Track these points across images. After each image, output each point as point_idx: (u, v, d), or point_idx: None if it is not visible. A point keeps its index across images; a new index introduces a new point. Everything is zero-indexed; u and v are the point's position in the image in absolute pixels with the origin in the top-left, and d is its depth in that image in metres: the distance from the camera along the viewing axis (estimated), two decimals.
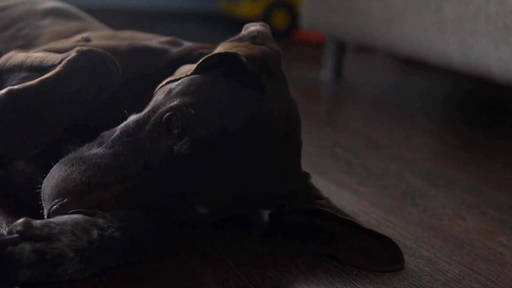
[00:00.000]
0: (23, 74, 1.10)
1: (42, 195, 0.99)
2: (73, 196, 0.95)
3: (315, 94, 2.85)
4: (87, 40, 1.25)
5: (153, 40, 1.30)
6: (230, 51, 1.06)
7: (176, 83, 1.07)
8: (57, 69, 0.97)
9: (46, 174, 1.00)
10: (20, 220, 0.88)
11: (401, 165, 1.74)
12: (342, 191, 1.45)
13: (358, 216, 1.27)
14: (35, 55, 1.11)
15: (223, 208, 1.03)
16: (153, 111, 1.03)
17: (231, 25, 5.21)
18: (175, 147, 0.98)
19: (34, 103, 0.96)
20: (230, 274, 1.00)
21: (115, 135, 1.03)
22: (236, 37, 1.18)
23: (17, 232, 0.87)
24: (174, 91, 1.05)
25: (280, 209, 1.13)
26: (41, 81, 0.95)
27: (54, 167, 1.00)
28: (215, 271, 1.01)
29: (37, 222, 0.89)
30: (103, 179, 0.96)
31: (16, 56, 1.14)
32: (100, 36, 1.32)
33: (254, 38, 1.15)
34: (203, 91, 1.03)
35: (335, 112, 2.60)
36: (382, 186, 1.53)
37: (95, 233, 0.92)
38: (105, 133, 1.07)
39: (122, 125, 1.05)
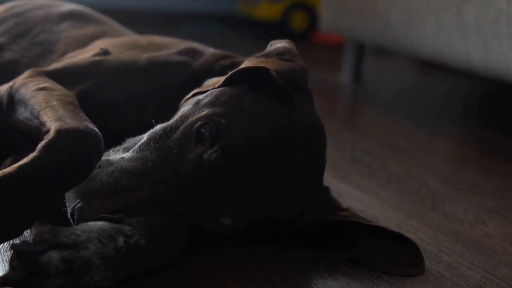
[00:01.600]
0: (26, 115, 1.09)
1: (66, 193, 0.98)
2: (99, 196, 0.95)
3: (335, 97, 2.85)
4: (106, 52, 1.25)
5: (172, 49, 1.30)
6: (259, 65, 1.06)
7: (204, 94, 1.08)
8: (36, 153, 0.93)
9: None
10: (46, 228, 0.87)
11: (422, 169, 1.73)
12: (363, 195, 1.45)
13: (378, 221, 1.27)
14: (38, 100, 1.08)
15: (247, 221, 1.03)
16: (181, 120, 1.03)
17: (250, 26, 5.23)
18: (204, 154, 0.98)
19: (13, 189, 0.91)
20: (251, 279, 1.01)
21: (142, 141, 1.03)
22: (263, 53, 1.19)
23: (44, 240, 0.86)
24: (203, 102, 1.05)
25: (305, 225, 1.13)
26: (19, 167, 0.91)
27: None
28: (236, 275, 1.01)
29: (64, 229, 0.88)
30: (130, 182, 0.96)
31: (27, 87, 1.13)
32: (119, 45, 1.31)
33: (281, 54, 1.16)
34: (233, 102, 1.03)
35: (355, 114, 2.59)
36: (402, 190, 1.53)
37: (121, 241, 0.91)
38: (131, 140, 1.08)
39: (149, 132, 1.05)
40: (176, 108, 1.13)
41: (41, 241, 0.85)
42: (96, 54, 1.26)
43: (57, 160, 0.93)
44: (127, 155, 1.01)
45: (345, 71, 3.10)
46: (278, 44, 1.20)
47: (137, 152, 1.01)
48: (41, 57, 1.34)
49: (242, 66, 1.12)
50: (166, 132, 1.03)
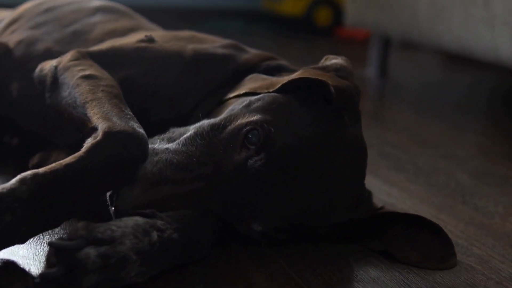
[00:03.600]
0: (70, 101, 1.09)
1: None
2: (141, 184, 0.95)
3: (361, 91, 2.83)
4: (151, 40, 1.25)
5: (216, 43, 1.30)
6: (319, 78, 1.05)
7: (257, 97, 1.07)
8: (83, 153, 0.94)
9: None
10: (81, 224, 0.87)
11: (450, 162, 1.72)
12: (392, 189, 1.44)
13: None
14: (83, 90, 1.09)
15: (278, 229, 1.03)
16: (230, 119, 1.03)
17: (274, 22, 5.23)
18: (249, 160, 0.98)
19: (58, 185, 0.92)
20: (281, 273, 1.00)
21: (188, 134, 1.03)
22: (319, 65, 1.17)
23: (80, 236, 0.85)
24: (254, 105, 1.04)
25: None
26: (66, 165, 0.92)
27: None
28: (266, 270, 1.01)
29: (98, 225, 0.88)
30: (172, 175, 0.96)
31: (72, 71, 1.14)
32: (162, 36, 1.31)
33: (337, 70, 1.14)
34: (284, 112, 1.02)
35: (382, 109, 2.58)
36: (431, 184, 1.52)
37: (155, 235, 0.91)
38: (175, 130, 1.08)
39: (196, 125, 1.05)
40: (217, 101, 1.13)
41: (77, 238, 0.85)
42: (142, 41, 1.26)
43: (103, 162, 0.94)
44: (172, 146, 1.01)
45: (371, 65, 3.09)
46: (334, 60, 1.18)
47: (182, 145, 1.01)
48: (74, 45, 1.34)
49: (299, 75, 1.10)
50: (214, 130, 1.02)
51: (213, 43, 1.30)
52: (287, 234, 1.05)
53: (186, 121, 1.14)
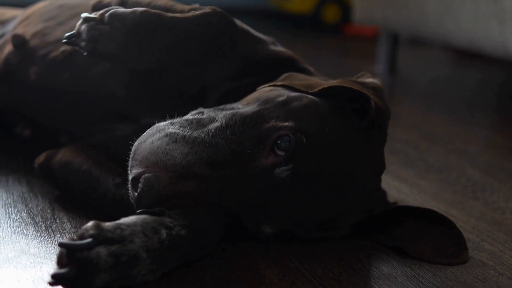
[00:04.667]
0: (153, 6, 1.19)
1: (132, 153, 0.98)
2: (170, 175, 0.94)
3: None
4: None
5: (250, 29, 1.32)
6: (362, 90, 1.05)
7: (294, 95, 1.06)
8: (188, 15, 1.13)
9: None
10: (90, 224, 0.87)
11: (460, 158, 1.71)
12: (402, 185, 1.44)
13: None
14: (163, 1, 1.22)
15: (288, 232, 1.03)
16: (262, 115, 1.02)
17: (282, 20, 5.22)
18: (277, 169, 0.98)
19: (159, 29, 1.10)
20: (292, 269, 1.00)
21: (219, 124, 1.02)
22: (358, 80, 1.17)
23: (90, 236, 0.85)
24: (291, 105, 1.03)
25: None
26: (172, 16, 1.11)
27: (151, 129, 1.00)
28: (277, 266, 1.01)
29: (107, 224, 0.88)
30: (200, 171, 0.95)
31: None
32: None
33: (375, 90, 1.14)
34: (319, 119, 1.02)
35: (391, 105, 2.54)
36: (442, 179, 1.52)
37: (163, 233, 0.91)
38: (204, 111, 1.06)
39: (227, 114, 1.04)
40: (246, 83, 1.17)
41: (87, 237, 0.85)
42: (192, 9, 1.24)
43: (203, 31, 1.12)
44: (201, 136, 0.99)
45: (379, 62, 3.08)
46: (371, 79, 1.18)
47: (212, 136, 1.00)
48: None
49: (340, 83, 1.10)
50: (245, 124, 1.01)
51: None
52: (294, 236, 1.05)
53: (207, 100, 1.18)
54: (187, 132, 1.00)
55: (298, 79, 1.16)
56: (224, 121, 1.02)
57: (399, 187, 1.42)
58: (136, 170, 0.95)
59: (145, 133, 1.00)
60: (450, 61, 3.73)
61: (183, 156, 0.95)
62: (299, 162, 0.97)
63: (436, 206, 1.31)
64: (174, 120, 1.03)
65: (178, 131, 0.99)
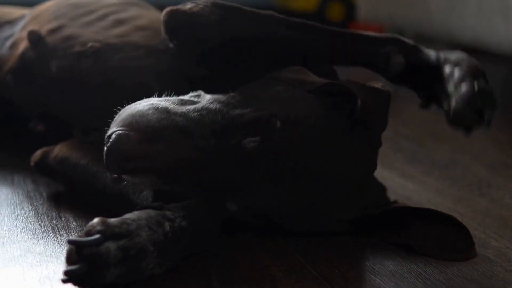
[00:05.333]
0: None
1: (116, 116, 0.99)
2: (139, 136, 0.94)
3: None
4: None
5: None
6: (352, 90, 1.05)
7: (287, 88, 1.07)
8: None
9: None
10: (96, 220, 0.88)
11: (466, 155, 1.71)
12: (407, 182, 1.44)
13: (425, 207, 1.25)
14: None
15: (256, 216, 1.04)
16: (248, 101, 1.02)
17: None
18: (244, 140, 0.98)
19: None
20: (297, 266, 1.00)
21: (205, 103, 1.02)
22: (363, 83, 1.15)
23: (98, 232, 0.86)
24: (281, 96, 1.04)
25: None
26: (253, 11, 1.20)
27: (143, 100, 1.01)
28: (283, 263, 1.01)
29: (113, 220, 0.89)
30: (173, 136, 0.96)
31: None
32: None
33: (376, 94, 1.13)
34: (304, 113, 1.02)
35: (397, 102, 2.56)
36: (448, 176, 1.51)
37: (167, 225, 0.92)
38: (202, 93, 1.07)
39: (219, 97, 1.04)
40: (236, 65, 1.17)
41: (95, 233, 0.86)
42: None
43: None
44: (183, 110, 1.00)
45: None
46: (379, 85, 1.16)
47: (194, 111, 1.00)
48: (105, 28, 1.35)
49: (337, 82, 1.11)
50: (229, 105, 1.02)
51: None
52: (275, 224, 1.05)
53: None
54: (174, 105, 1.00)
55: (303, 72, 1.17)
56: (211, 101, 1.03)
57: (405, 184, 1.42)
58: (112, 129, 0.96)
59: (136, 102, 1.01)
60: None
61: (158, 120, 0.96)
62: (268, 139, 0.98)
63: (442, 203, 1.31)
64: (169, 98, 1.04)
65: (165, 104, 1.00)
